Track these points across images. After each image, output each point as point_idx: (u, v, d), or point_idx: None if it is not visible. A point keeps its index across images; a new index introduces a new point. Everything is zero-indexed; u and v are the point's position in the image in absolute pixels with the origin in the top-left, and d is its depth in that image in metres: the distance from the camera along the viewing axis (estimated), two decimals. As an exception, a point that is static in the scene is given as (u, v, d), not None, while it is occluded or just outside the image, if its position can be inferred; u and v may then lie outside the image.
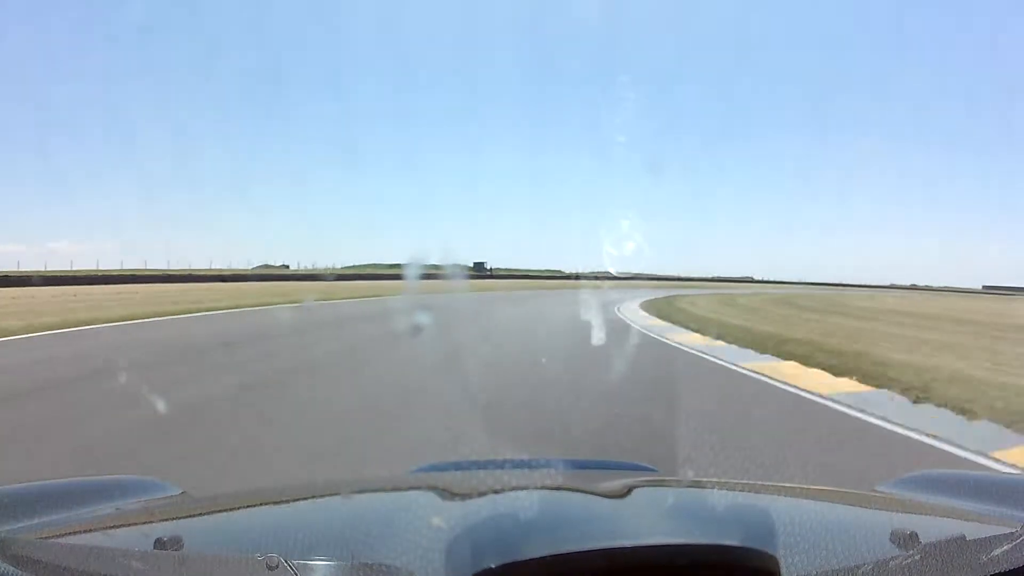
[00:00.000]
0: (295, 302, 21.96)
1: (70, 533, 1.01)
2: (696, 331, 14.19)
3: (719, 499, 1.22)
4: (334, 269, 69.10)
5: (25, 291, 25.79)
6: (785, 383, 7.63)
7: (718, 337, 12.73)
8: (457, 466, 1.71)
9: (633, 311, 20.83)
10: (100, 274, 39.61)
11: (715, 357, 10.07)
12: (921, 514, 1.22)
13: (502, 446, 4.45)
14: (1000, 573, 0.77)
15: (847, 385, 7.44)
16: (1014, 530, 0.85)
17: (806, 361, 9.27)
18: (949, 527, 1.04)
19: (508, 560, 0.70)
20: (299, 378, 7.64)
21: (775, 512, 1.07)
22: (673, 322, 16.83)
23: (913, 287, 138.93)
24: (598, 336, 12.67)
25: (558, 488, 1.25)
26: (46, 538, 0.95)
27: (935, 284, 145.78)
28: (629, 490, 1.16)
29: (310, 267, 69.74)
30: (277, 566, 0.72)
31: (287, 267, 72.67)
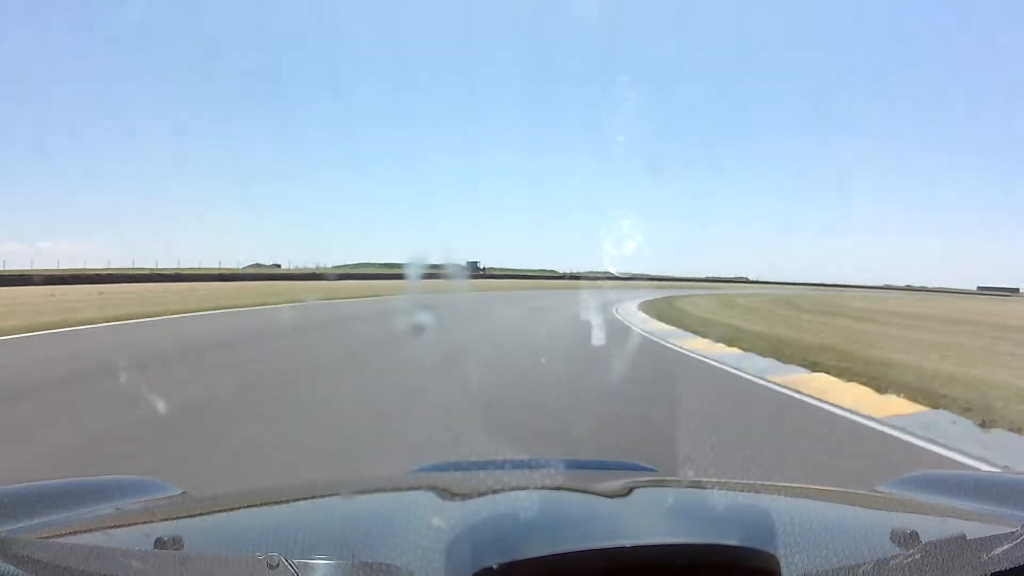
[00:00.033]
0: (292, 302, 21.61)
1: (70, 533, 1.01)
2: (705, 336, 13.32)
3: (719, 499, 1.22)
4: (325, 268, 68.37)
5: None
6: (826, 402, 6.64)
7: (731, 343, 11.82)
8: (457, 466, 1.71)
9: (632, 313, 20.22)
10: (86, 273, 38.53)
11: (735, 368, 9.02)
12: (921, 513, 1.22)
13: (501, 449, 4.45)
14: (1000, 572, 0.77)
15: (897, 405, 6.49)
16: (1014, 529, 0.85)
17: (839, 373, 8.36)
18: (949, 526, 1.04)
19: (508, 560, 0.70)
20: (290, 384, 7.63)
21: (775, 512, 1.07)
22: (679, 326, 15.98)
23: (908, 288, 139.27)
24: (601, 342, 11.97)
25: (558, 488, 1.25)
26: (46, 538, 0.95)
27: (930, 285, 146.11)
28: (629, 490, 1.17)
29: (300, 267, 68.99)
30: (278, 565, 0.72)
31: (278, 266, 71.83)
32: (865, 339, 13.76)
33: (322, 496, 1.40)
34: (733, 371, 8.88)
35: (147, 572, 0.81)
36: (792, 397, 7.07)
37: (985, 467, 4.51)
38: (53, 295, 22.46)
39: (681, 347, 11.64)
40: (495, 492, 1.18)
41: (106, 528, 1.07)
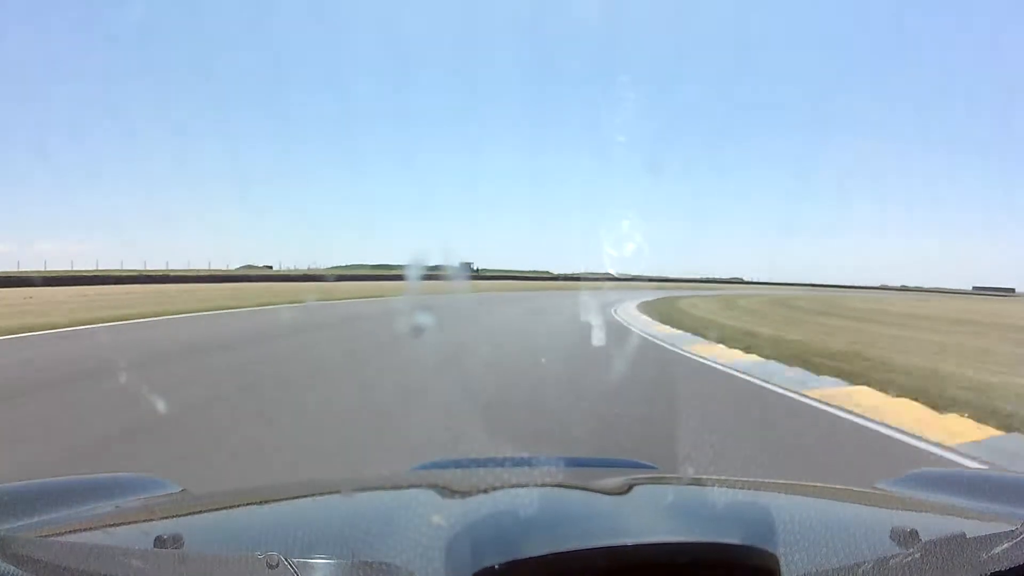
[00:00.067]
0: (277, 304, 20.76)
1: (70, 531, 1.01)
2: (718, 341, 12.31)
3: (719, 497, 1.22)
4: (318, 269, 67.38)
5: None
6: (885, 425, 5.68)
7: (748, 349, 10.85)
8: (457, 464, 1.71)
9: (634, 317, 19.19)
10: (73, 275, 37.64)
11: (763, 380, 7.98)
12: (921, 512, 1.22)
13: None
14: (1000, 571, 0.77)
15: (963, 427, 5.63)
16: (1014, 528, 0.85)
17: (882, 386, 7.42)
18: (949, 525, 1.04)
19: (508, 558, 0.70)
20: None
21: (775, 510, 1.07)
22: (685, 328, 15.02)
23: (904, 288, 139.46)
24: (606, 351, 10.79)
25: (558, 486, 1.25)
26: (46, 536, 0.95)
27: (925, 285, 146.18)
28: (629, 488, 1.16)
29: (293, 268, 68.00)
30: (277, 564, 0.72)
31: (270, 268, 70.35)
32: (890, 343, 12.94)
33: (322, 494, 1.40)
34: (761, 384, 7.83)
35: (147, 571, 0.81)
36: (841, 418, 5.99)
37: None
38: (31, 297, 21.28)
39: (693, 353, 10.66)
40: (495, 490, 1.18)
41: (106, 526, 1.07)
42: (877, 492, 1.38)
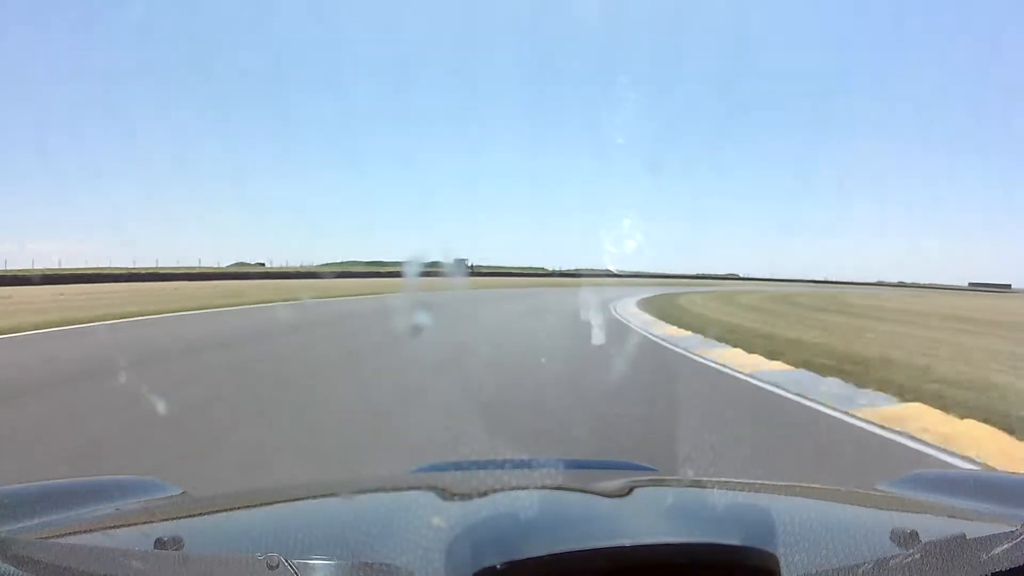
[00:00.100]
0: (245, 304, 19.64)
1: (70, 533, 1.01)
2: (733, 344, 11.20)
3: (719, 498, 1.22)
4: (311, 267, 65.88)
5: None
6: (969, 460, 4.71)
7: (772, 356, 9.71)
8: (457, 466, 1.71)
9: (637, 315, 18.40)
10: (60, 273, 36.74)
11: (802, 397, 6.78)
12: (921, 513, 1.22)
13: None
14: (1000, 572, 0.77)
15: None
16: (1014, 529, 0.85)
17: (942, 404, 6.31)
18: (949, 526, 1.04)
19: (508, 559, 0.70)
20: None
21: (775, 511, 1.07)
22: (695, 330, 13.84)
23: (901, 284, 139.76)
24: (614, 360, 9.32)
25: (558, 488, 1.25)
26: (46, 538, 0.95)
27: (921, 281, 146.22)
28: (629, 489, 1.17)
29: (285, 265, 66.64)
30: (278, 566, 0.72)
31: (263, 265, 68.98)
32: (917, 347, 11.75)
33: (322, 496, 1.40)
34: (803, 402, 6.54)
35: (147, 572, 0.81)
36: (918, 452, 4.94)
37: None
38: (10, 296, 20.16)
39: (708, 359, 9.64)
40: (495, 492, 1.19)
41: (106, 528, 1.08)
42: (877, 493, 1.38)
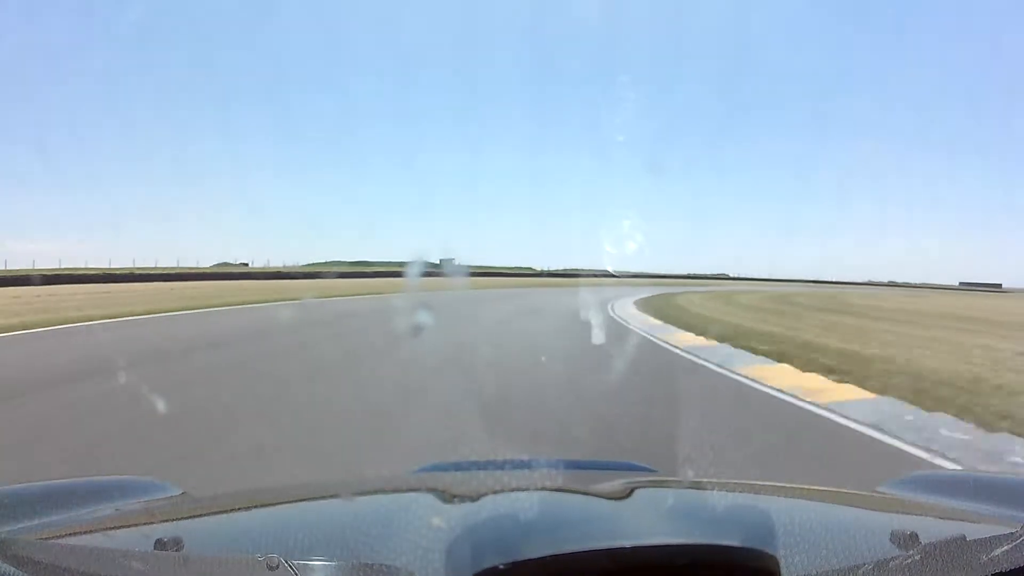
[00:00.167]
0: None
1: (71, 534, 1.01)
2: (754, 351, 10.16)
3: (719, 499, 1.22)
4: (294, 267, 63.72)
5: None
6: None
7: (806, 367, 8.58)
8: (457, 467, 1.71)
9: (641, 319, 17.14)
10: (44, 273, 35.78)
11: (875, 430, 5.37)
12: (921, 514, 1.22)
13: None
14: (1000, 573, 0.77)
15: None
16: (1014, 530, 0.85)
17: (1006, 423, 5.44)
18: (949, 527, 1.04)
19: (508, 560, 0.70)
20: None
21: (775, 512, 1.07)
22: (711, 336, 12.59)
23: (892, 284, 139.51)
24: (624, 379, 7.71)
25: (558, 489, 1.25)
26: (46, 539, 0.95)
27: (913, 281, 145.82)
28: (629, 491, 1.16)
29: (265, 265, 65.06)
30: (277, 566, 0.72)
31: (246, 265, 66.80)
32: (956, 352, 10.59)
33: (322, 497, 1.40)
34: (874, 436, 5.25)
35: (147, 573, 0.81)
36: None
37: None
38: None
39: (740, 375, 8.23)
40: (495, 493, 1.19)
41: (106, 529, 1.08)
42: (877, 495, 1.38)
